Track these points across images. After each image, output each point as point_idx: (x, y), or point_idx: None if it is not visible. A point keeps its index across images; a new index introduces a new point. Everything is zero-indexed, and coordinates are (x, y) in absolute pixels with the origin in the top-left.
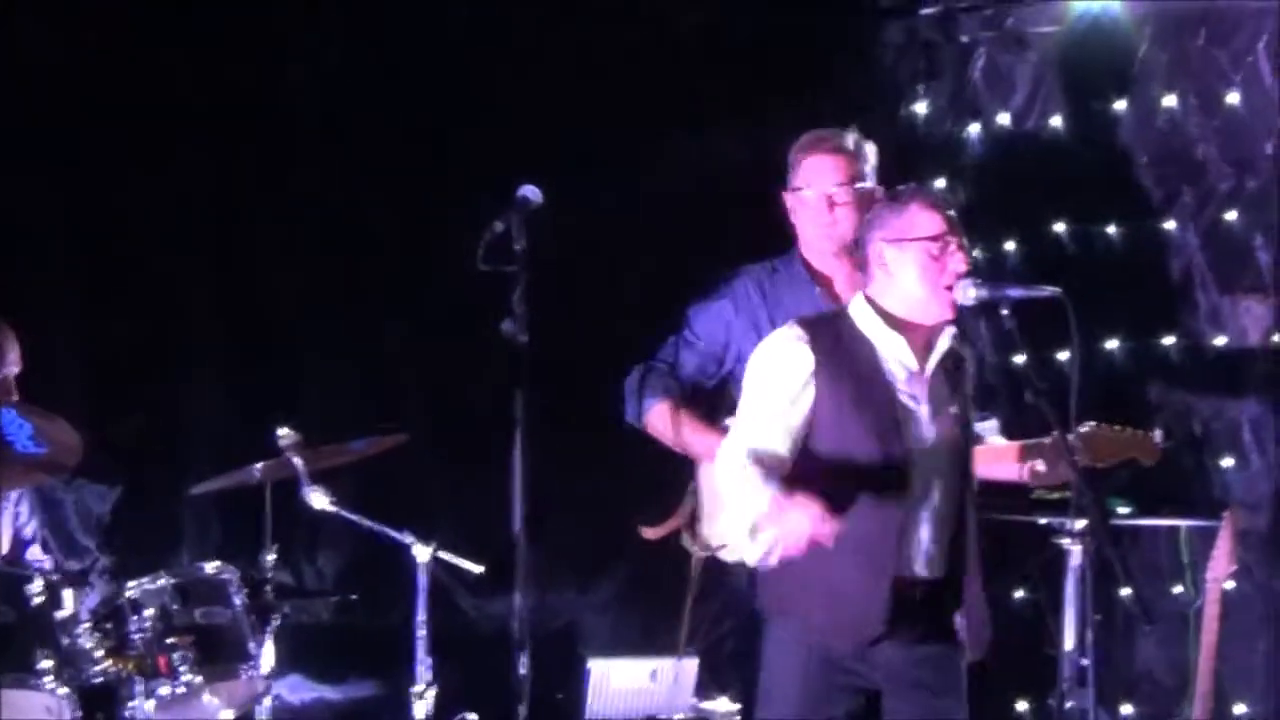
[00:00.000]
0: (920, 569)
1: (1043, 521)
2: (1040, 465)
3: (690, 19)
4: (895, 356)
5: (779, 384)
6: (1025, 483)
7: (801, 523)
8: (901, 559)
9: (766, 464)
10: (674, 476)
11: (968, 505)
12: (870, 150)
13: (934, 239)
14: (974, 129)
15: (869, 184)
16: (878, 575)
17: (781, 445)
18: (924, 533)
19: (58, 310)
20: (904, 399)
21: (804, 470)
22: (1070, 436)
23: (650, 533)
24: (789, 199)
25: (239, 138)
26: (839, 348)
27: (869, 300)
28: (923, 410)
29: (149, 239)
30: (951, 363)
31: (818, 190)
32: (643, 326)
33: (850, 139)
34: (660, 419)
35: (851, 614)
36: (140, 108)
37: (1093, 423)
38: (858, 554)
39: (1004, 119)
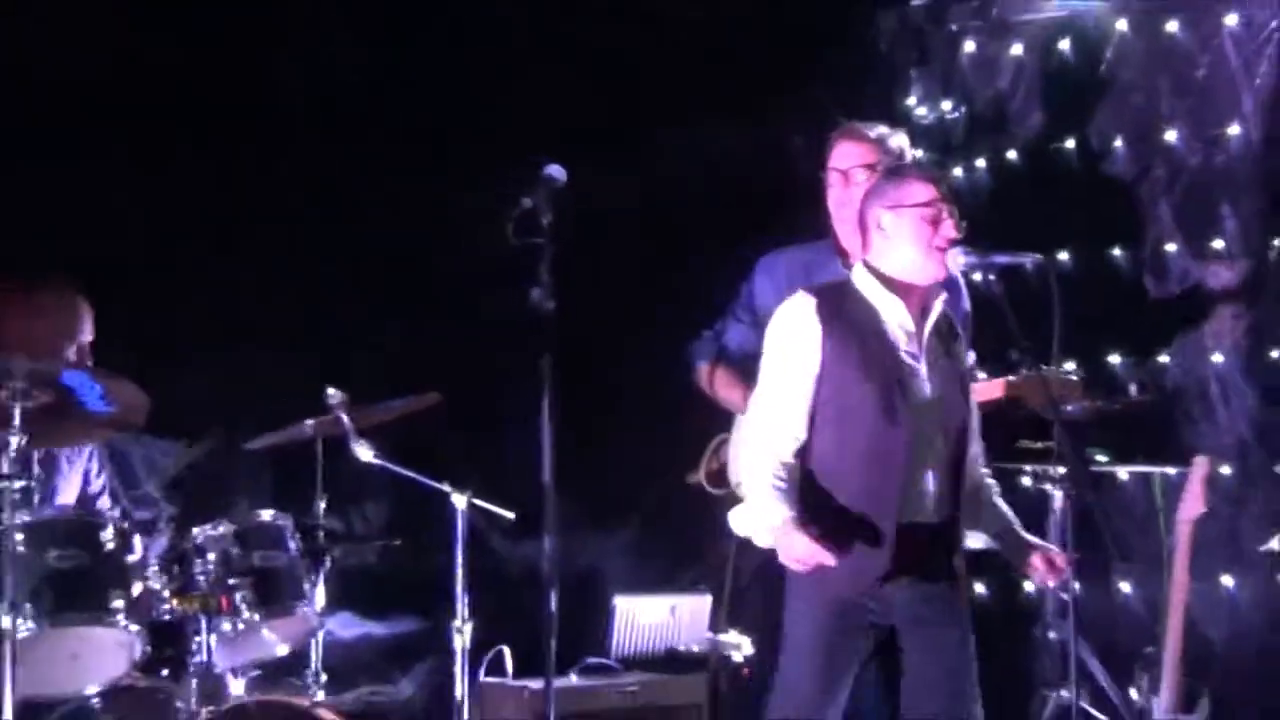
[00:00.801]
0: (928, 514)
1: (1028, 469)
2: None
3: (693, 13)
4: (895, 318)
5: (793, 357)
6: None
7: (802, 553)
8: (908, 505)
9: (787, 469)
10: (691, 429)
11: (965, 456)
12: (897, 144)
13: (927, 205)
14: (954, 112)
15: None
16: (883, 521)
17: (800, 425)
18: (929, 480)
19: (129, 281)
20: (905, 357)
21: (823, 425)
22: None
23: (692, 479)
24: (826, 179)
25: (290, 129)
26: (844, 312)
27: (868, 266)
28: (921, 367)
29: (211, 219)
30: (945, 324)
31: (839, 168)
32: (656, 294)
33: (877, 130)
34: (703, 379)
35: (860, 559)
36: (196, 100)
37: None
38: (862, 504)
39: (980, 102)
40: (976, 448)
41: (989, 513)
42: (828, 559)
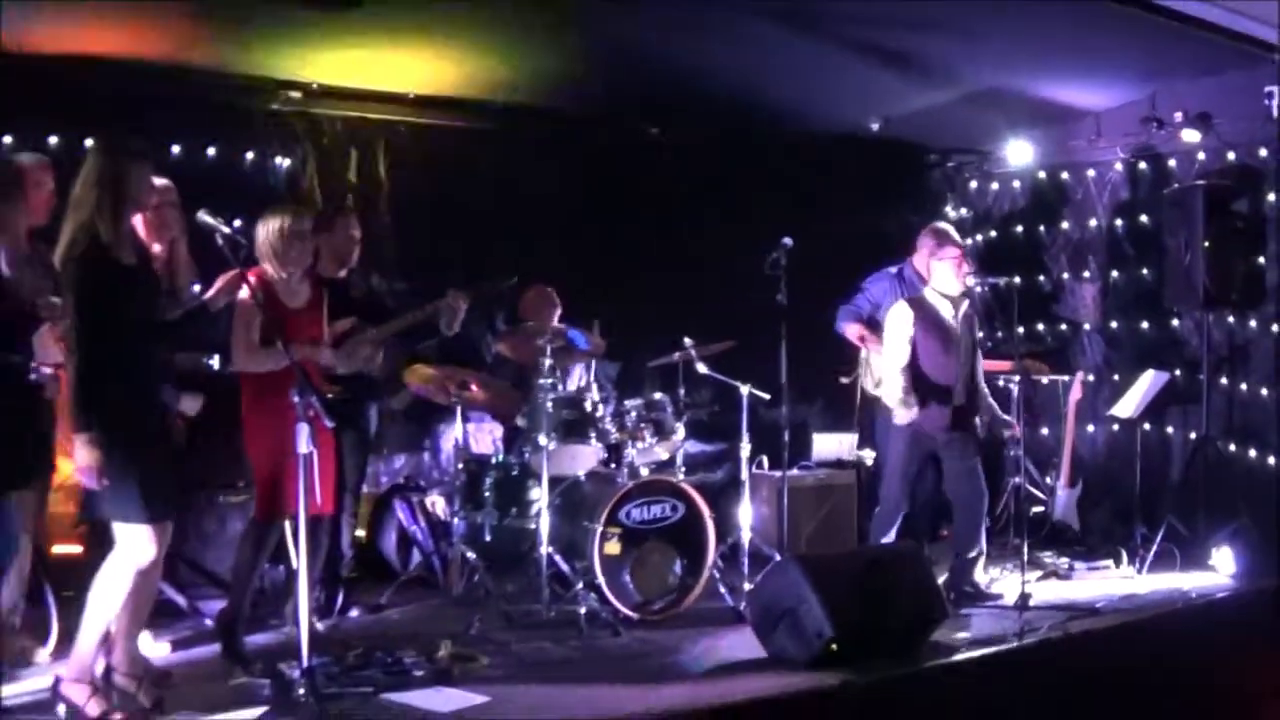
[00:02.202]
0: (960, 398)
1: (1001, 378)
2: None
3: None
4: (945, 310)
5: (901, 331)
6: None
7: (903, 417)
8: (953, 392)
9: (905, 377)
10: (847, 357)
11: (977, 374)
12: (946, 227)
13: (955, 259)
14: (969, 213)
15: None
16: (945, 401)
17: (905, 360)
18: (960, 383)
19: (592, 285)
20: (950, 327)
21: (914, 360)
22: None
23: (844, 379)
24: (921, 244)
25: (669, 206)
26: (923, 309)
27: (932, 288)
28: (957, 333)
29: (632, 259)
30: (969, 313)
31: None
32: (829, 296)
33: (955, 235)
34: (849, 330)
35: (935, 418)
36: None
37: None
38: (936, 388)
39: (982, 209)
40: (981, 378)
41: (984, 407)
42: (914, 415)
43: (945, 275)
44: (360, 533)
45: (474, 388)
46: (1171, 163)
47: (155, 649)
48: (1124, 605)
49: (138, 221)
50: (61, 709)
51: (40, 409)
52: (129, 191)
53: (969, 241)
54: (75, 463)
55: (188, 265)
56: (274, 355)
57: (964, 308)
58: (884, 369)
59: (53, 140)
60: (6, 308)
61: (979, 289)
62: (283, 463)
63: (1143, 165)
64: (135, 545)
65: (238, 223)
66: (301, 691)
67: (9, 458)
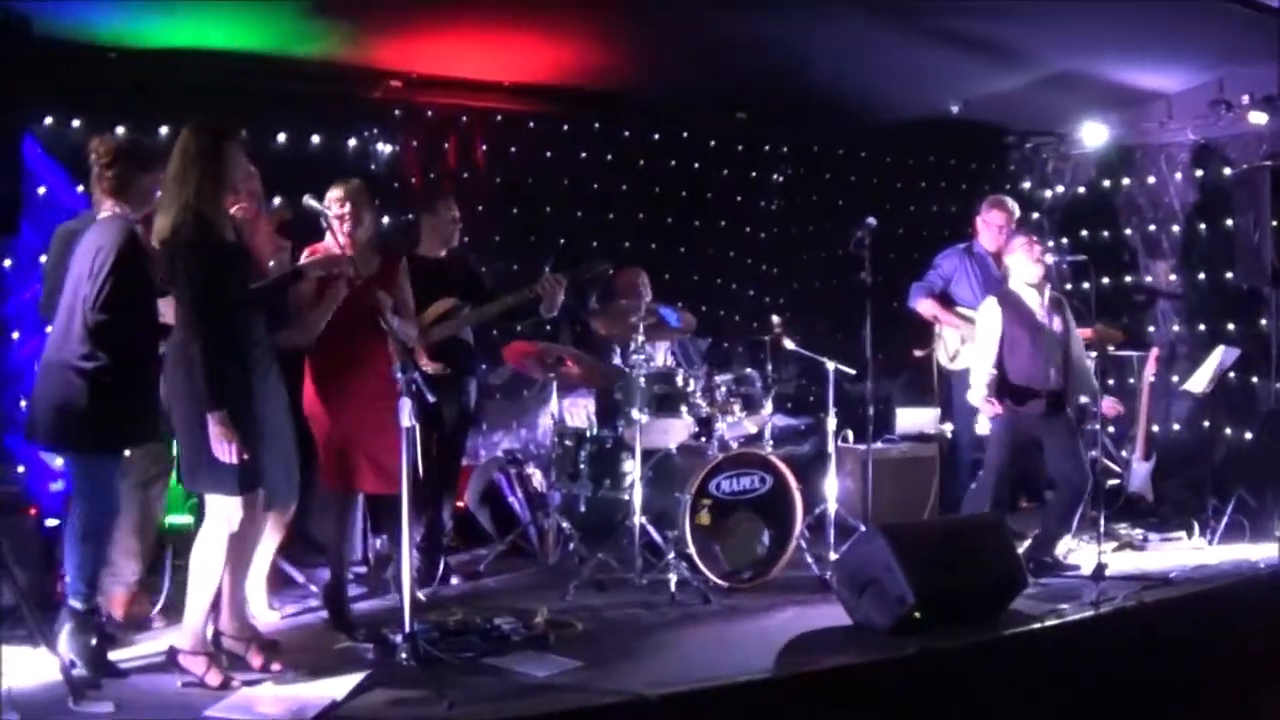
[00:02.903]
0: (1054, 384)
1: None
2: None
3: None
4: (1031, 299)
5: (992, 327)
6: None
7: (986, 410)
8: (1045, 381)
9: (990, 374)
10: (915, 330)
11: (1070, 357)
12: (1014, 206)
13: (1024, 246)
14: (1047, 193)
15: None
16: (1035, 389)
17: (994, 355)
18: (1053, 369)
19: (682, 270)
20: (1038, 316)
21: (1007, 350)
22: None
23: (918, 353)
24: (980, 221)
25: (744, 209)
26: (1009, 300)
27: (1015, 280)
28: (1046, 319)
29: (722, 250)
30: (1055, 296)
31: (994, 222)
32: (913, 275)
33: (1009, 202)
34: (921, 306)
35: (1030, 403)
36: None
37: (1099, 324)
38: (1029, 379)
39: (1060, 189)
40: (1081, 354)
41: (1087, 385)
42: (996, 410)
43: (1021, 265)
44: (460, 504)
45: (569, 364)
46: (1239, 144)
47: (266, 616)
48: (1195, 575)
49: None
50: (179, 681)
51: (158, 375)
52: (228, 170)
53: (1042, 220)
54: (212, 441)
55: (267, 239)
56: (324, 303)
57: (1048, 292)
58: (972, 366)
59: (163, 130)
60: (152, 269)
61: (1058, 264)
62: (345, 433)
63: (1212, 146)
64: (228, 516)
65: None
66: (404, 656)
67: (124, 418)
